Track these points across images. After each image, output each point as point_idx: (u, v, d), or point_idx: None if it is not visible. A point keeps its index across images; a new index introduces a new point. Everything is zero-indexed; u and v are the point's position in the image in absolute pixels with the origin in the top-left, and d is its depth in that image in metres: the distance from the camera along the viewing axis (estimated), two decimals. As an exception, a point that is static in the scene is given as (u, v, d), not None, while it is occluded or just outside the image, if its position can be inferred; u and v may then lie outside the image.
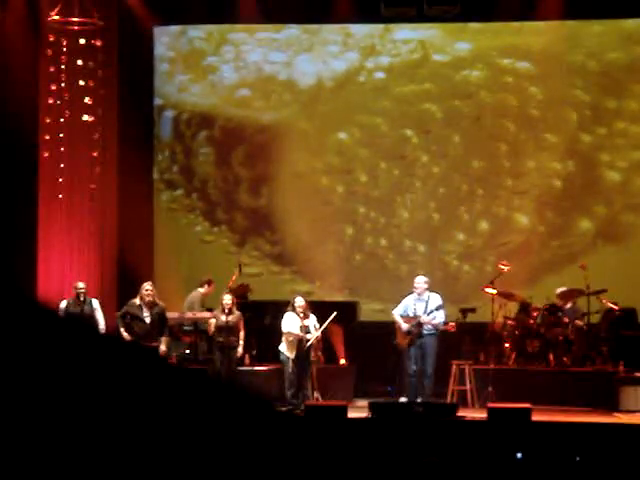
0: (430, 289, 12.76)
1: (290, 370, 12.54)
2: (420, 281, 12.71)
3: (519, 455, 9.60)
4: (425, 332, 12.50)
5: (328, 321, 12.80)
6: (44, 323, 1.63)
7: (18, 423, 1.51)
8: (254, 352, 14.05)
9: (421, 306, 12.58)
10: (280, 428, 1.67)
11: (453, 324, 13.23)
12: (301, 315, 12.56)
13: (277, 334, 12.90)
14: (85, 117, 14.52)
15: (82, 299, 13.16)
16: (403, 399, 12.67)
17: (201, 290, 14.36)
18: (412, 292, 12.78)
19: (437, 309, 12.53)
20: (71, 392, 1.55)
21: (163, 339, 12.62)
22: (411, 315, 12.56)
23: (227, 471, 1.57)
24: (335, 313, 12.88)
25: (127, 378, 1.61)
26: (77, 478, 1.50)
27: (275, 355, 13.09)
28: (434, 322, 12.49)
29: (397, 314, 12.73)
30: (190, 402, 1.62)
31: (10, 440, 1.50)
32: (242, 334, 12.80)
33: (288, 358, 12.56)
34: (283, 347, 12.64)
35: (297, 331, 12.53)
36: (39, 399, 1.52)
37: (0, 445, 1.50)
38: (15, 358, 1.55)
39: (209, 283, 14.39)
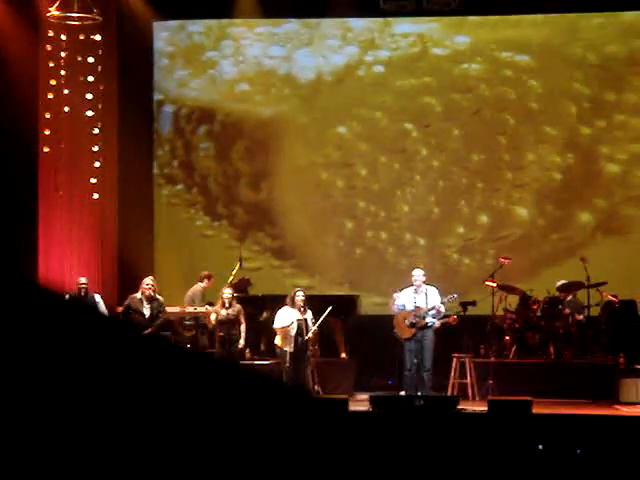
0: (426, 282, 12.78)
1: (288, 364, 12.54)
2: (419, 274, 12.70)
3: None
4: (429, 324, 12.51)
5: (324, 316, 12.78)
6: (50, 306, 1.64)
7: (22, 408, 1.52)
8: (261, 347, 14.12)
9: (421, 299, 12.59)
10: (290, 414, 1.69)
11: (455, 317, 13.26)
12: (302, 309, 12.56)
13: (276, 328, 12.92)
14: (85, 112, 14.53)
15: (83, 294, 13.21)
16: (402, 393, 12.67)
17: (201, 285, 14.38)
18: (408, 286, 12.77)
19: (441, 304, 12.59)
20: (78, 376, 1.56)
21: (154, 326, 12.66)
22: (411, 308, 12.57)
23: (230, 458, 1.58)
24: (330, 308, 12.86)
25: (133, 361, 1.62)
26: (86, 465, 1.51)
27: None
28: (442, 310, 12.58)
29: (396, 307, 12.75)
30: (198, 384, 1.63)
31: (17, 423, 1.51)
32: (243, 327, 12.81)
33: (286, 352, 12.55)
34: (277, 341, 12.64)
35: (288, 323, 12.48)
36: (44, 385, 1.53)
37: (4, 432, 1.51)
38: (20, 342, 1.56)
39: (209, 278, 14.40)
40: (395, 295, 12.84)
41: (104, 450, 1.52)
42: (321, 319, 12.76)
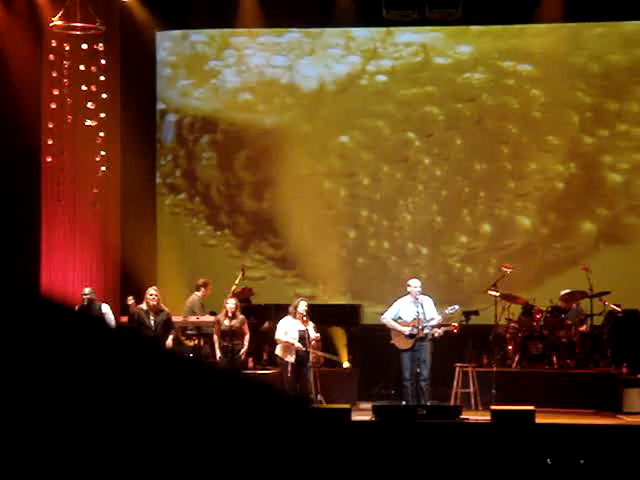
0: (422, 291, 12.77)
1: (290, 374, 12.52)
2: (417, 284, 12.66)
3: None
4: (428, 334, 12.48)
5: (329, 356, 13.06)
6: (54, 317, 1.64)
7: (26, 414, 1.52)
8: (263, 356, 14.12)
9: (420, 309, 12.56)
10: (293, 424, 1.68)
11: (456, 324, 13.25)
12: (304, 319, 12.54)
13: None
14: (88, 122, 14.53)
15: (87, 304, 13.13)
16: (403, 403, 12.64)
17: (198, 294, 14.23)
18: (405, 294, 12.75)
19: (441, 317, 12.61)
20: (82, 389, 1.56)
21: (168, 342, 12.64)
22: (411, 320, 12.52)
23: (232, 468, 1.58)
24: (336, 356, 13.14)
25: (140, 371, 1.61)
26: (89, 467, 1.51)
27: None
28: (439, 321, 12.60)
29: (389, 318, 12.66)
30: (200, 392, 1.63)
31: (18, 425, 1.51)
32: (247, 337, 12.79)
33: (287, 362, 12.53)
34: (278, 351, 12.62)
35: (291, 337, 12.45)
36: (46, 393, 1.53)
37: (7, 436, 1.50)
38: (24, 352, 1.56)
39: (205, 285, 14.22)
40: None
41: (108, 462, 1.52)
42: (326, 355, 12.91)
